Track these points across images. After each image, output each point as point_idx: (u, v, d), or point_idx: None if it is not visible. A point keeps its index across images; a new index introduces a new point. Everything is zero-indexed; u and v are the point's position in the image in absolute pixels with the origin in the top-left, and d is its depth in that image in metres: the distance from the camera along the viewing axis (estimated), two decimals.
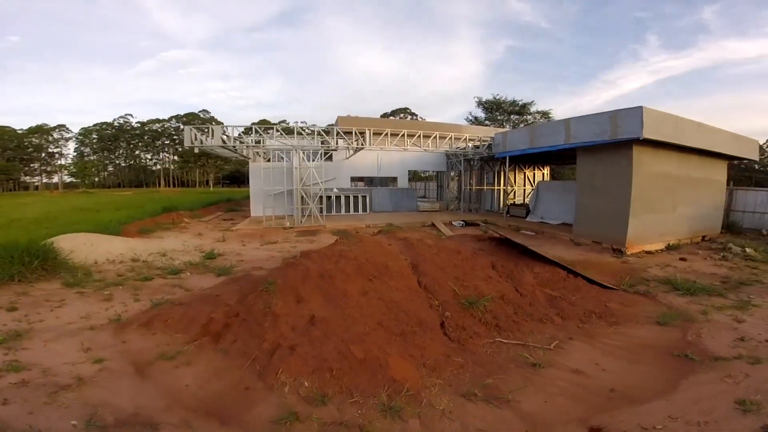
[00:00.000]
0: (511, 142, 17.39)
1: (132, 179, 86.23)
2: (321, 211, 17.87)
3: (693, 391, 4.00)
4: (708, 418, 3.42)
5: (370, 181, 24.16)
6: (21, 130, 74.11)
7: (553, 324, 6.01)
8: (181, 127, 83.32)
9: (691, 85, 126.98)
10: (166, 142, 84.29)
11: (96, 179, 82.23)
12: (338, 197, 21.53)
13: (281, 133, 18.96)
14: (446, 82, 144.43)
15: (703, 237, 14.78)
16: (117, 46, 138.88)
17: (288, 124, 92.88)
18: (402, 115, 73.99)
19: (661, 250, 12.83)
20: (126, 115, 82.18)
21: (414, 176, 26.74)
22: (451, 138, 21.65)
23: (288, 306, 4.98)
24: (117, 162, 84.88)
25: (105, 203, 34.69)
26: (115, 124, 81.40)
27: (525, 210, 19.71)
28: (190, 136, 15.39)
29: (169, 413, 3.39)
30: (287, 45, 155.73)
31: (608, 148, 12.69)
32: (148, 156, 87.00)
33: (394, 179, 23.64)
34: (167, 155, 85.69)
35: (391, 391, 3.90)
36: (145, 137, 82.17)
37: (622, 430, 3.32)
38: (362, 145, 17.50)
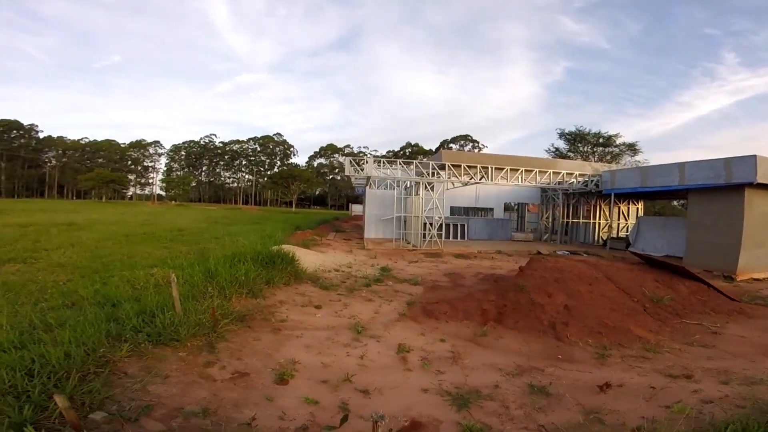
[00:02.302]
0: (620, 180, 19.41)
1: (211, 195, 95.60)
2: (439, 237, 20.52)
3: None
4: None
5: (466, 211, 26.68)
6: (123, 144, 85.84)
7: (709, 316, 8.32)
8: (258, 148, 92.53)
9: None
10: (243, 162, 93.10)
11: (179, 193, 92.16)
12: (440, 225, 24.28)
13: (400, 164, 21.82)
14: (500, 106, 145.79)
15: None
16: (196, 68, 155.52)
17: (352, 148, 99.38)
18: (463, 141, 76.68)
19: (765, 277, 14.18)
20: (210, 134, 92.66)
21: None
22: (548, 173, 23.73)
23: (543, 299, 7.65)
24: (199, 178, 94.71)
25: (218, 217, 40.34)
26: (201, 142, 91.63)
27: (625, 243, 21.27)
28: (348, 166, 18.68)
29: (534, 361, 5.79)
30: (343, 69, 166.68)
31: (721, 190, 14.41)
32: (227, 174, 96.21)
33: (490, 210, 26.09)
34: (244, 174, 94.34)
35: (640, 343, 6.54)
36: (226, 156, 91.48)
37: None
38: (481, 179, 20.10)
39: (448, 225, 24.50)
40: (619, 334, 6.85)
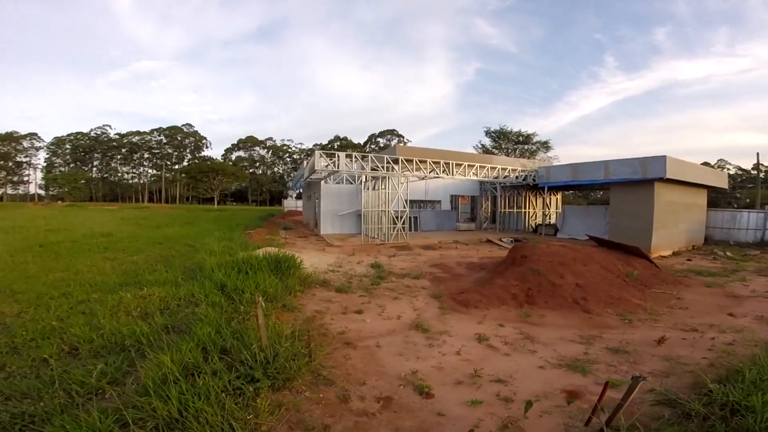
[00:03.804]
0: (554, 175, 22.17)
1: (106, 193, 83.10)
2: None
3: (741, 306, 8.75)
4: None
5: (417, 204, 27.73)
6: None
7: (663, 286, 10.39)
8: (164, 140, 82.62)
9: (645, 105, 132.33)
10: (146, 155, 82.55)
11: (65, 190, 78.43)
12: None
13: (355, 158, 21.66)
14: (420, 103, 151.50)
15: (693, 246, 20.12)
16: (85, 55, 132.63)
17: (274, 141, 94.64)
18: (389, 135, 78.66)
19: (670, 255, 17.86)
20: (104, 125, 79.97)
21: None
22: (487, 168, 25.82)
23: (559, 280, 8.80)
24: (90, 174, 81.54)
25: (133, 218, 35.40)
26: (92, 134, 78.74)
27: (554, 229, 24.42)
28: (318, 160, 17.87)
29: (585, 330, 6.85)
30: (263, 61, 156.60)
31: (637, 184, 17.51)
32: (125, 169, 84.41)
33: (438, 202, 27.52)
34: (146, 169, 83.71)
35: (641, 309, 8.10)
36: (123, 150, 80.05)
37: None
38: (438, 173, 21.05)
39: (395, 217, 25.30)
40: (623, 303, 8.33)
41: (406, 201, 20.45)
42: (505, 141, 47.28)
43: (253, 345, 4.24)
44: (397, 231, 20.00)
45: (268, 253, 10.34)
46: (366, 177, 22.06)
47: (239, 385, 3.70)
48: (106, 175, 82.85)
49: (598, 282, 9.24)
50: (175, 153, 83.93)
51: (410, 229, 24.94)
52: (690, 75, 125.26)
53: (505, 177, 23.39)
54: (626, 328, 7.13)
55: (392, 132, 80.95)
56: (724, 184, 22.73)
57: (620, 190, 18.58)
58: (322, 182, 23.93)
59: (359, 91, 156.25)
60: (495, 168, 24.41)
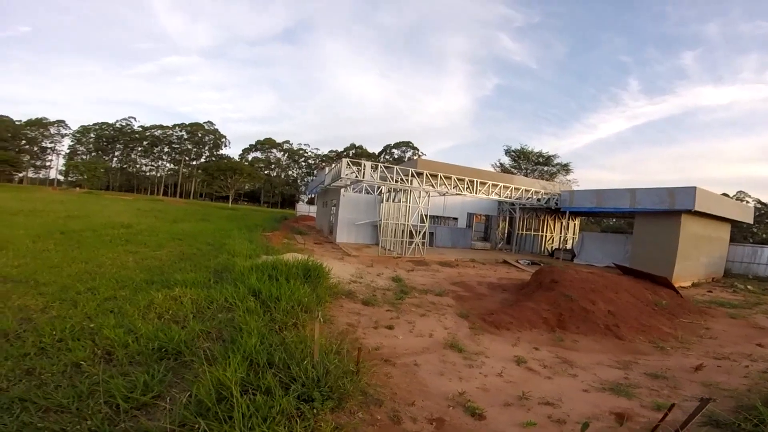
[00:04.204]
0: (577, 200, 22.03)
1: (122, 183, 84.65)
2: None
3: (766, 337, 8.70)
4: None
5: (433, 219, 27.65)
6: (19, 121, 71.81)
7: (689, 315, 10.32)
8: (185, 135, 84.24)
9: (665, 131, 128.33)
10: (165, 149, 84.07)
11: (83, 178, 79.97)
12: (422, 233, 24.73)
13: (380, 168, 21.68)
14: (434, 115, 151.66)
15: (713, 278, 19.76)
16: (117, 46, 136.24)
17: (291, 144, 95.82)
18: (404, 147, 79.07)
19: (690, 286, 17.58)
20: (129, 117, 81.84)
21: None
22: (500, 187, 25.69)
23: (590, 306, 8.73)
24: (110, 164, 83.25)
25: (149, 210, 35.92)
26: (117, 125, 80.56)
27: (571, 254, 24.11)
28: (345, 168, 18.06)
29: (620, 356, 6.83)
30: (284, 61, 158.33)
31: (663, 214, 17.25)
32: (144, 161, 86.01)
33: (455, 219, 27.43)
34: (165, 162, 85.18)
35: (672, 337, 8.07)
36: (144, 142, 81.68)
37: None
38: (458, 191, 21.02)
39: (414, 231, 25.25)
40: (654, 331, 8.32)
41: (426, 216, 20.40)
42: (524, 161, 47.20)
43: (305, 360, 4.13)
44: (415, 245, 19.93)
45: (297, 259, 10.32)
46: (386, 188, 22.13)
47: (298, 405, 3.53)
48: (125, 166, 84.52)
49: (629, 309, 9.14)
50: (194, 149, 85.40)
51: (426, 245, 24.88)
52: (713, 101, 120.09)
53: (528, 199, 23.25)
54: (660, 355, 7.13)
55: (407, 144, 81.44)
56: (749, 218, 22.37)
57: (645, 220, 18.35)
58: (342, 190, 24.02)
59: (375, 98, 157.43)
60: (515, 188, 24.34)
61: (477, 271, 17.73)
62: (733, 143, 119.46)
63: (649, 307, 9.79)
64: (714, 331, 9.17)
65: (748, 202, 57.67)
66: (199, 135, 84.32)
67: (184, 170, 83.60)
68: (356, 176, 18.27)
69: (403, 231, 20.28)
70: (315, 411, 3.51)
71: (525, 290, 11.69)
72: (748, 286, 17.24)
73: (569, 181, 43.90)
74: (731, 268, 21.89)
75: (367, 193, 25.06)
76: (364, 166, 18.24)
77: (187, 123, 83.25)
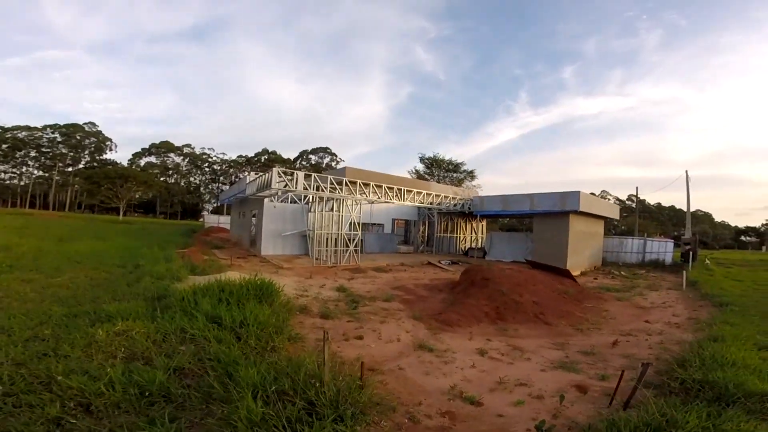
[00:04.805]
0: (488, 204, 24.74)
1: None
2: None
3: (650, 314, 11.16)
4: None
5: (362, 227, 28.14)
6: None
7: (588, 300, 12.66)
8: (58, 138, 70.95)
9: (546, 139, 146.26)
10: (32, 154, 70.05)
11: None
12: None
13: (315, 178, 21.44)
14: (353, 121, 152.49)
15: (594, 267, 23.99)
16: None
17: (193, 148, 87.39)
18: (322, 153, 78.55)
19: (578, 275, 21.05)
20: None
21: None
22: (423, 194, 27.49)
23: (519, 298, 10.25)
24: None
25: (18, 228, 29.65)
26: None
27: (483, 252, 26.90)
28: (275, 178, 17.38)
29: (553, 339, 8.15)
30: (189, 60, 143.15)
31: (556, 215, 20.50)
32: (1, 168, 70.22)
33: (381, 225, 28.39)
34: (31, 170, 70.89)
35: (584, 320, 9.88)
36: (4, 145, 66.72)
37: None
38: (388, 199, 21.87)
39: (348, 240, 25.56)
40: (570, 316, 10.12)
41: (358, 224, 20.87)
42: (437, 168, 50.99)
43: (314, 382, 4.22)
44: (350, 254, 20.25)
45: (243, 278, 9.84)
46: (313, 198, 21.95)
47: (335, 428, 3.63)
48: None
49: (548, 299, 10.86)
50: (71, 153, 72.45)
51: (359, 252, 25.31)
52: (586, 111, 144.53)
53: (447, 204, 25.28)
54: (581, 335, 8.76)
55: (325, 150, 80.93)
56: (616, 215, 27.89)
57: (542, 220, 21.57)
58: (266, 200, 23.16)
59: (292, 102, 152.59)
60: (432, 195, 26.29)
61: (409, 274, 18.79)
62: (600, 148, 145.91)
63: (561, 296, 11.72)
64: (611, 312, 11.40)
65: (609, 199, 70.46)
66: (78, 137, 71.84)
67: (57, 178, 70.39)
68: (287, 186, 17.85)
69: (336, 240, 20.41)
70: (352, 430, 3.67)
71: (458, 288, 12.95)
72: (622, 272, 21.43)
73: (474, 186, 48.80)
74: (606, 257, 26.80)
75: (293, 202, 24.54)
76: (297, 176, 17.97)
77: (61, 124, 70.33)
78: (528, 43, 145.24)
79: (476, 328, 8.84)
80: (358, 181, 20.71)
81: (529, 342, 7.97)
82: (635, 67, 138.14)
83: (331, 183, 19.30)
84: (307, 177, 18.98)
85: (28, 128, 67.61)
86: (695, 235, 32.68)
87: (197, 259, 18.24)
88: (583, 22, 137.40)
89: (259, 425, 3.43)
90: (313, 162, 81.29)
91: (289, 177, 17.85)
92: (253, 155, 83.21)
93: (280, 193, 20.57)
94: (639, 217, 43.73)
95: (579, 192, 19.61)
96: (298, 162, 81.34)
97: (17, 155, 67.48)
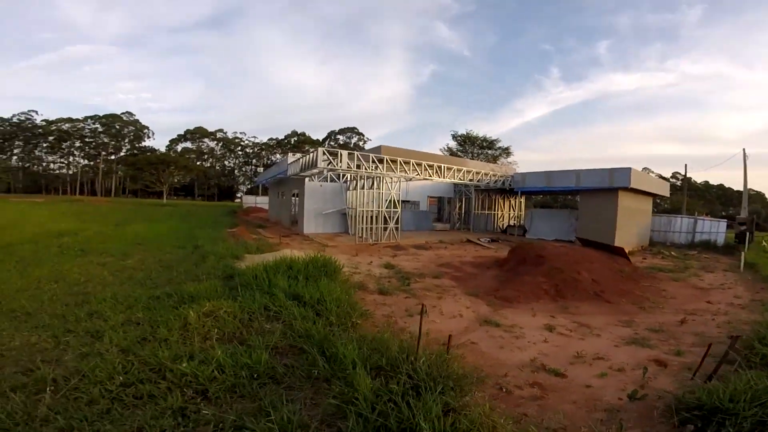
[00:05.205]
0: (529, 181, 24.11)
1: (28, 184, 73.43)
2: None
3: (710, 295, 10.64)
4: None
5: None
6: None
7: (644, 279, 12.31)
8: (100, 128, 74.71)
9: (580, 114, 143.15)
10: (77, 144, 74.23)
11: None
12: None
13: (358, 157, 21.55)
14: (375, 101, 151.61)
15: (642, 246, 23.05)
16: (10, 37, 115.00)
17: (225, 133, 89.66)
18: (350, 133, 78.56)
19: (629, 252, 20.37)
20: (29, 111, 70.28)
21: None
22: (462, 171, 27.17)
23: (578, 276, 10.16)
24: (9, 163, 71.54)
25: (76, 213, 31.94)
26: (14, 120, 68.98)
27: (522, 230, 26.48)
28: (321, 158, 17.67)
29: (619, 317, 8.10)
30: (213, 49, 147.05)
31: (603, 191, 19.74)
32: (51, 158, 75.16)
33: (416, 203, 28.42)
34: (77, 159, 75.30)
35: (644, 299, 9.68)
36: (51, 138, 71.15)
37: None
38: (428, 176, 21.83)
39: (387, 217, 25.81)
40: (630, 295, 9.93)
41: (398, 201, 21.01)
42: (470, 145, 49.93)
43: (407, 357, 4.38)
44: (390, 231, 20.51)
45: (308, 256, 10.23)
46: (351, 176, 22.17)
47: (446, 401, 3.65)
48: (27, 165, 73.02)
49: (606, 277, 10.70)
50: (112, 142, 76.32)
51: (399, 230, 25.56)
52: (622, 87, 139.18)
53: (486, 181, 24.89)
54: (645, 314, 8.63)
55: (352, 130, 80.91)
56: (666, 192, 26.49)
57: (588, 197, 20.85)
58: (306, 180, 23.62)
59: (315, 85, 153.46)
60: (470, 171, 25.90)
61: (450, 252, 18.87)
62: (638, 125, 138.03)
63: (618, 275, 11.49)
64: (669, 292, 11.06)
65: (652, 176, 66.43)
66: (117, 127, 75.36)
67: (102, 166, 74.51)
68: (330, 164, 18.15)
69: (375, 218, 20.65)
70: (457, 402, 3.74)
71: (507, 266, 12.92)
72: (672, 252, 20.55)
73: (510, 163, 47.52)
74: (652, 237, 25.70)
75: (332, 181, 24.90)
76: (341, 154, 18.26)
77: (101, 115, 73.85)
78: (556, 18, 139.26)
79: (536, 304, 8.88)
80: (399, 159, 20.62)
81: (594, 319, 7.94)
82: (675, 43, 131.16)
83: (373, 161, 19.38)
84: (350, 156, 19.14)
85: (70, 120, 71.54)
86: (752, 215, 30.61)
87: (247, 238, 19.07)
88: None
89: (376, 401, 3.59)
90: (341, 142, 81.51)
91: (333, 156, 18.10)
92: (283, 137, 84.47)
93: (325, 173, 20.87)
94: (683, 194, 41.31)
95: (630, 168, 18.77)
96: (326, 142, 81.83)
97: (63, 146, 71.69)
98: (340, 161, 18.08)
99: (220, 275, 9.51)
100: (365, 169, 19.31)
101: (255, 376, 4.39)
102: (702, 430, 3.56)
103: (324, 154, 17.89)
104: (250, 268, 9.16)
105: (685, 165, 35.39)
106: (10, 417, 3.45)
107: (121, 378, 4.18)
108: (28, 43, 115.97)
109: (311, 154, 19.07)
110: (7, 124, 68.70)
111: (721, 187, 76.34)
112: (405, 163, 22.01)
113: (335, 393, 3.86)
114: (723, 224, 25.33)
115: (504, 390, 4.52)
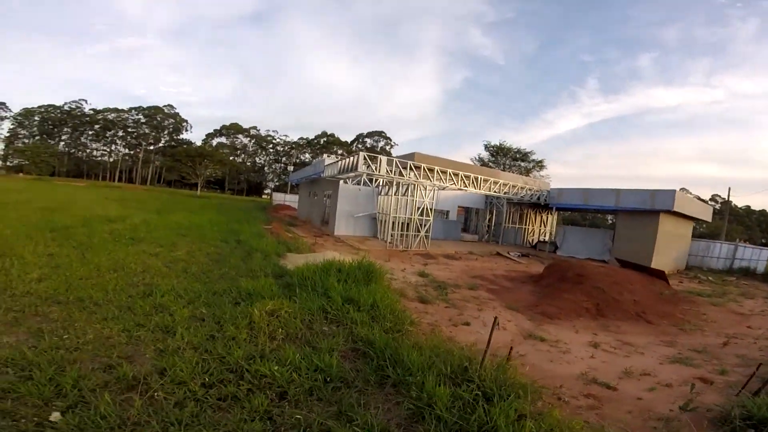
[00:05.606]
0: (566, 197, 23.90)
1: (70, 168, 77.77)
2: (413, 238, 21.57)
3: (750, 321, 10.52)
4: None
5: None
6: None
7: (683, 303, 12.11)
8: (142, 119, 78.52)
9: (615, 129, 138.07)
10: (120, 134, 78.09)
11: (26, 164, 72.53)
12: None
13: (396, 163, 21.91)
14: (404, 105, 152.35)
15: (678, 270, 22.40)
16: (68, 25, 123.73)
17: (258, 130, 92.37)
18: (377, 137, 79.35)
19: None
20: (80, 100, 74.74)
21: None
22: (494, 182, 27.12)
23: (619, 296, 10.19)
24: (57, 148, 76.05)
25: (118, 199, 33.74)
26: (65, 107, 73.43)
27: (554, 246, 26.15)
28: (362, 162, 18.27)
29: (660, 337, 8.06)
30: (250, 44, 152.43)
31: (643, 213, 19.36)
32: (94, 146, 79.40)
33: (446, 212, 28.55)
34: (119, 147, 79.19)
35: (683, 321, 9.58)
36: (96, 126, 75.24)
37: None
38: (464, 185, 21.98)
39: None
40: (671, 317, 9.92)
41: (430, 209, 21.22)
42: (502, 156, 49.57)
43: (469, 364, 4.64)
44: (420, 239, 20.75)
45: (355, 261, 10.43)
46: (384, 182, 22.58)
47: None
48: (72, 150, 77.50)
49: (646, 298, 10.67)
50: (153, 134, 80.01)
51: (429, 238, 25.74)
52: (663, 102, 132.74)
53: (522, 195, 24.78)
54: (686, 335, 8.63)
55: (380, 133, 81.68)
56: (709, 217, 25.64)
57: (627, 217, 20.49)
58: (341, 182, 24.17)
59: (345, 86, 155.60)
60: (506, 184, 25.82)
61: (481, 264, 18.91)
62: (677, 143, 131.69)
63: (657, 297, 11.38)
64: (709, 316, 10.91)
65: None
66: (158, 119, 79.03)
67: (141, 155, 78.17)
68: (370, 169, 18.60)
69: (407, 224, 20.92)
70: (528, 409, 3.96)
71: (544, 282, 12.94)
72: (709, 277, 19.94)
73: (543, 177, 46.83)
74: (689, 261, 24.90)
75: (365, 185, 25.39)
76: (380, 160, 18.71)
77: (144, 106, 77.66)
78: (598, 28, 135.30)
79: (578, 322, 8.94)
80: (436, 168, 20.84)
81: (636, 338, 7.99)
82: (724, 59, 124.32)
83: (411, 168, 19.70)
84: (389, 162, 19.55)
85: (116, 110, 75.56)
86: None
87: (284, 236, 19.74)
88: (663, 7, 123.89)
89: (452, 405, 3.81)
90: (368, 145, 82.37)
91: (373, 161, 18.58)
92: (313, 137, 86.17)
93: (364, 176, 21.35)
94: (724, 219, 39.57)
95: (674, 190, 18.38)
96: (354, 145, 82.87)
97: (107, 135, 75.66)
98: (379, 167, 18.47)
99: (270, 273, 9.61)
100: (403, 175, 19.64)
101: (327, 379, 4.43)
102: None
103: (365, 159, 18.33)
104: (300, 268, 9.45)
105: (729, 188, 33.91)
106: (105, 420, 3.35)
107: (206, 378, 4.15)
108: (83, 32, 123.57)
109: (352, 158, 19.58)
110: (58, 111, 73.31)
111: (762, 212, 72.64)
112: (442, 172, 22.08)
113: (412, 397, 4.04)
114: (765, 252, 24.29)
115: (561, 400, 4.73)
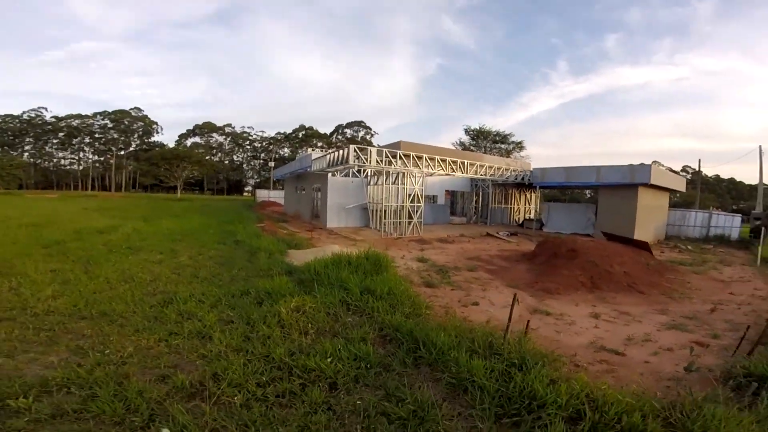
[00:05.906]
0: (549, 176, 24.72)
1: (39, 180, 74.40)
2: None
3: (732, 287, 11.38)
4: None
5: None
6: None
7: (667, 272, 12.88)
8: (109, 124, 75.43)
9: (588, 109, 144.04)
10: (87, 140, 74.95)
11: None
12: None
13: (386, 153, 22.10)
14: (381, 95, 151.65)
15: (658, 240, 23.65)
16: (17, 33, 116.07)
17: (233, 128, 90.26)
18: (357, 127, 78.96)
19: None
20: (39, 108, 71.02)
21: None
22: (479, 166, 27.70)
23: (611, 269, 10.86)
24: (21, 159, 72.39)
25: (96, 209, 32.72)
26: (24, 117, 69.73)
27: (539, 224, 27.09)
28: (352, 155, 18.32)
29: (654, 306, 8.82)
30: (218, 44, 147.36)
31: (622, 187, 20.34)
32: (61, 155, 76.02)
33: (434, 197, 29.07)
34: (88, 155, 76.10)
35: (671, 290, 10.34)
36: (61, 134, 71.92)
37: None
38: (452, 171, 22.41)
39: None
40: (659, 286, 10.63)
41: (420, 196, 21.64)
42: (482, 139, 50.32)
43: (491, 341, 5.17)
44: (413, 225, 21.20)
45: (362, 252, 10.72)
46: (372, 171, 22.80)
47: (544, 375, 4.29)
48: (38, 161, 73.95)
49: (635, 270, 11.37)
50: (122, 138, 77.10)
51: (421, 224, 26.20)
52: (631, 81, 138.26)
53: (507, 177, 25.48)
54: (676, 303, 9.33)
55: (359, 123, 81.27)
56: (683, 187, 27.08)
57: (609, 192, 21.46)
58: (329, 175, 24.21)
59: (321, 79, 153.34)
60: (491, 167, 26.44)
61: (474, 245, 19.54)
62: (647, 119, 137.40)
63: (645, 267, 12.14)
64: (693, 284, 11.72)
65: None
66: (126, 123, 76.09)
67: (112, 161, 75.38)
68: (360, 161, 18.82)
69: (398, 212, 21.26)
70: (556, 374, 4.42)
71: (538, 259, 13.58)
72: (688, 246, 21.18)
73: (523, 157, 47.92)
74: (667, 230, 26.27)
75: (353, 176, 25.51)
76: (370, 151, 18.92)
77: (110, 111, 74.57)
78: (564, 12, 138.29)
79: (576, 295, 9.57)
80: (424, 155, 21.19)
81: (632, 308, 8.65)
82: (686, 38, 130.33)
83: (401, 157, 19.99)
84: (378, 153, 19.77)
85: (80, 116, 72.46)
86: (767, 209, 31.06)
87: (279, 233, 19.81)
88: None
89: (489, 377, 4.31)
90: (348, 136, 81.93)
91: (363, 153, 18.78)
92: (290, 131, 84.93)
93: (355, 168, 21.48)
94: (696, 189, 41.74)
95: (650, 165, 19.44)
96: (334, 136, 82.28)
97: (74, 142, 72.54)
98: (370, 158, 18.71)
99: (281, 271, 9.73)
100: (393, 165, 19.91)
101: (368, 366, 4.73)
102: (759, 389, 4.37)
103: (355, 151, 18.50)
104: (310, 263, 9.73)
105: (699, 160, 35.93)
106: (186, 429, 3.45)
107: (259, 378, 4.32)
108: (35, 40, 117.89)
109: (342, 151, 19.69)
110: (17, 121, 69.57)
111: (732, 180, 76.76)
112: (430, 159, 22.38)
113: (452, 373, 4.50)
114: (737, 219, 25.85)
115: (579, 366, 5.27)
